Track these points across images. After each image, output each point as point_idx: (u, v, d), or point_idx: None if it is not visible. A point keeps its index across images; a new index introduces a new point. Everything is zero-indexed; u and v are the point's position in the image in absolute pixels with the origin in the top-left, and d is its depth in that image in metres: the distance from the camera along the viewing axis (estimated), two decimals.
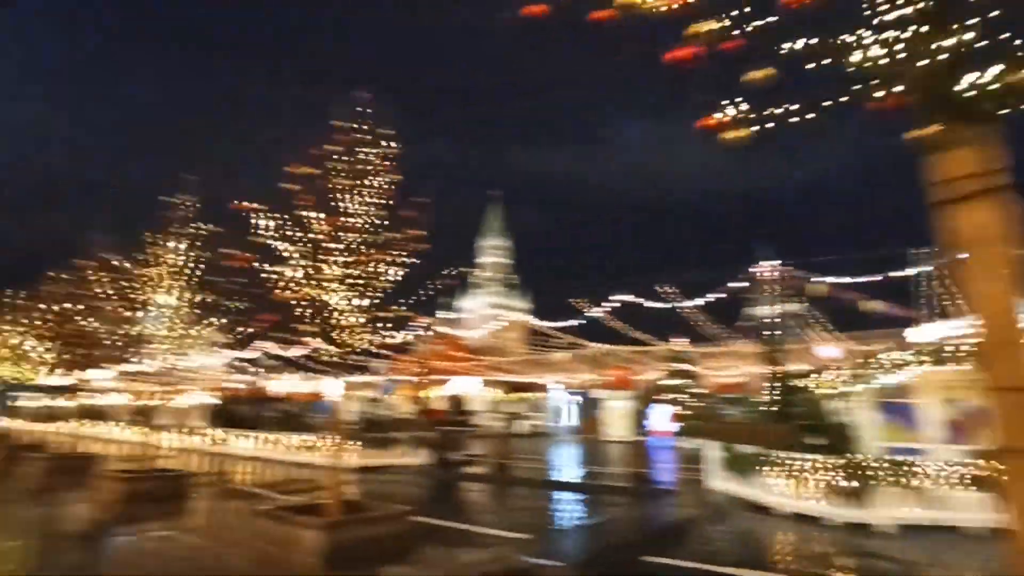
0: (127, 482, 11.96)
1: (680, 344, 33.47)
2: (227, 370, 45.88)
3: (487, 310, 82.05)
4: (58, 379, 25.44)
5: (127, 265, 13.24)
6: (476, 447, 24.67)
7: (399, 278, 9.17)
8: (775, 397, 18.03)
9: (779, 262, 21.13)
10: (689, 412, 30.96)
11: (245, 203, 8.23)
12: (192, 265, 13.64)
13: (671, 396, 33.31)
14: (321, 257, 8.40)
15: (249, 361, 38.96)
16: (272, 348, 31.58)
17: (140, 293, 13.40)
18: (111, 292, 13.71)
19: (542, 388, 44.21)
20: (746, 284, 22.40)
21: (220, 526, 9.98)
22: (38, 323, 19.50)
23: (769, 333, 20.56)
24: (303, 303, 8.76)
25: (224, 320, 13.97)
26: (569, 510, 14.12)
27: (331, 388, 45.54)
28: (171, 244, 13.59)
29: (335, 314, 8.52)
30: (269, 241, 8.43)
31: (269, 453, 24.85)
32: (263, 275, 8.69)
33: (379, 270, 8.95)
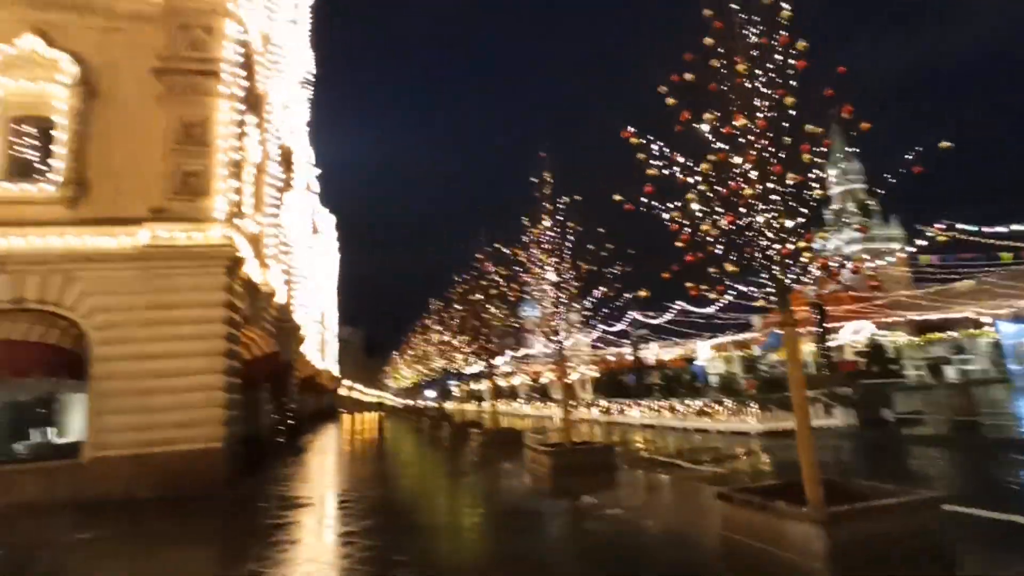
0: (556, 456, 12.23)
1: None
2: (595, 345, 48.71)
3: (848, 248, 71.49)
4: (473, 368, 29.98)
5: (511, 252, 13.73)
6: (908, 402, 19.71)
7: (819, 191, 6.69)
8: None
9: None
10: None
11: (631, 132, 6.90)
12: (566, 238, 13.42)
13: None
14: (734, 172, 6.53)
15: (616, 334, 40.33)
16: (640, 317, 31.56)
17: (527, 275, 13.80)
18: (501, 279, 14.45)
19: (970, 324, 34.25)
20: None
21: (666, 505, 9.11)
22: (455, 320, 22.78)
23: None
24: (713, 239, 7.02)
25: (604, 289, 13.39)
26: None
27: (700, 351, 44.00)
28: (544, 223, 13.62)
29: (764, 242, 6.52)
30: (662, 171, 6.93)
31: (660, 420, 24.62)
32: (662, 217, 7.24)
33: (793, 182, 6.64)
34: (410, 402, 78.45)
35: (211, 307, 12.55)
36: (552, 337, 13.44)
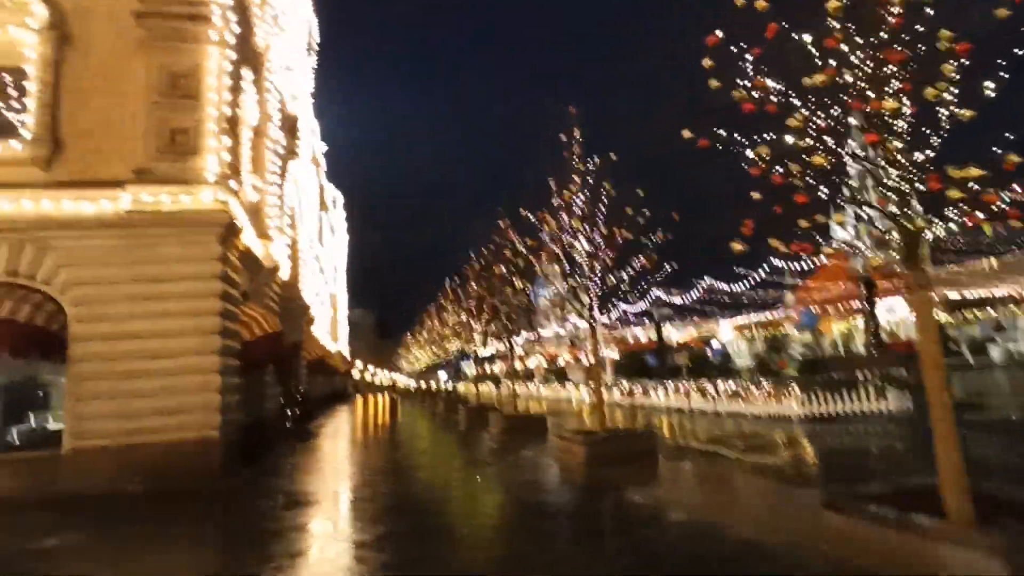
0: (590, 445, 10.84)
1: None
2: (611, 325, 47.17)
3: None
4: (487, 349, 28.62)
5: (538, 218, 12.22)
6: (966, 385, 18.11)
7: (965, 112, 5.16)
8: None
9: None
10: None
11: (717, 38, 5.37)
12: (599, 201, 11.90)
13: None
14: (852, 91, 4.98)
15: (638, 314, 38.78)
16: (663, 295, 29.97)
17: (555, 245, 12.31)
18: (526, 250, 12.99)
19: (1010, 301, 32.33)
20: None
21: (732, 506, 7.57)
22: (472, 299, 21.39)
23: None
24: (813, 179, 5.51)
25: (643, 259, 11.88)
26: None
27: (722, 331, 42.36)
28: (574, 185, 12.10)
29: (893, 178, 4.99)
30: (750, 93, 5.39)
31: (690, 403, 23.15)
32: (742, 156, 5.72)
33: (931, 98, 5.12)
34: (423, 384, 77.71)
35: (203, 280, 11.17)
36: (585, 312, 11.97)
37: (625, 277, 12.06)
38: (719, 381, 21.56)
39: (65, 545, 7.11)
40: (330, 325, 46.76)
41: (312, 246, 31.69)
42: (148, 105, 11.44)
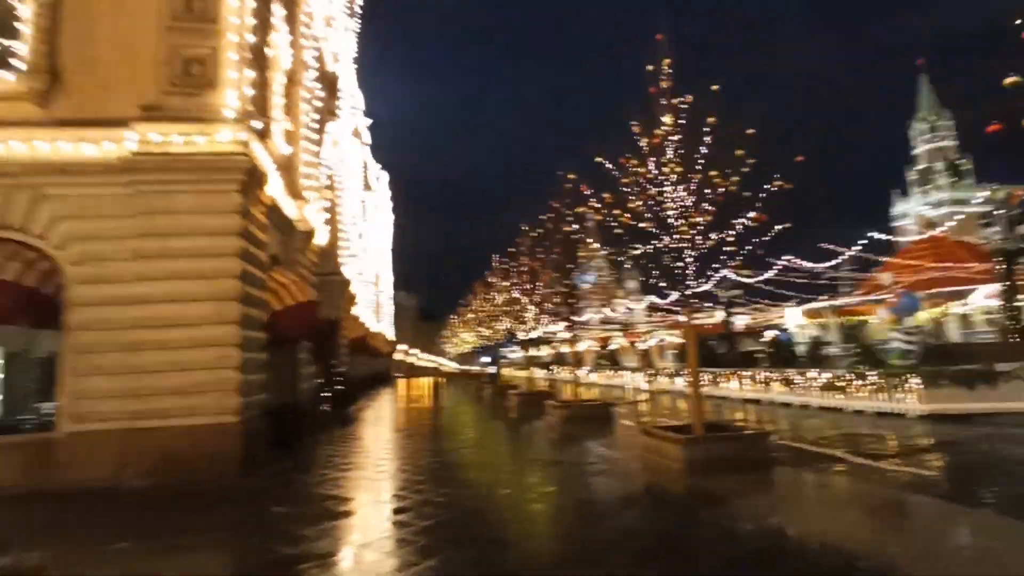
0: (690, 446, 8.62)
1: None
2: (668, 309, 44.32)
3: (935, 212, 67.24)
4: (539, 330, 26.50)
5: (623, 162, 9.91)
6: None
7: None
8: None
9: None
10: None
11: None
12: (701, 144, 9.55)
13: None
14: None
15: (699, 296, 35.95)
16: (731, 275, 27.06)
17: (640, 199, 10.01)
18: (602, 206, 10.76)
19: None
20: None
21: (910, 543, 5.12)
22: (525, 273, 19.34)
23: None
24: None
25: (755, 214, 9.48)
26: None
27: (789, 317, 39.06)
28: (666, 124, 9.77)
29: None
30: None
31: (768, 394, 20.55)
32: None
33: None
34: (466, 367, 76.29)
35: (221, 235, 9.37)
36: (686, 282, 9.71)
37: (730, 237, 9.71)
38: (811, 371, 18.83)
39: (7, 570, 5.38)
40: (374, 306, 45.53)
41: (355, 222, 30.11)
42: (159, 30, 9.65)
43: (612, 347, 44.42)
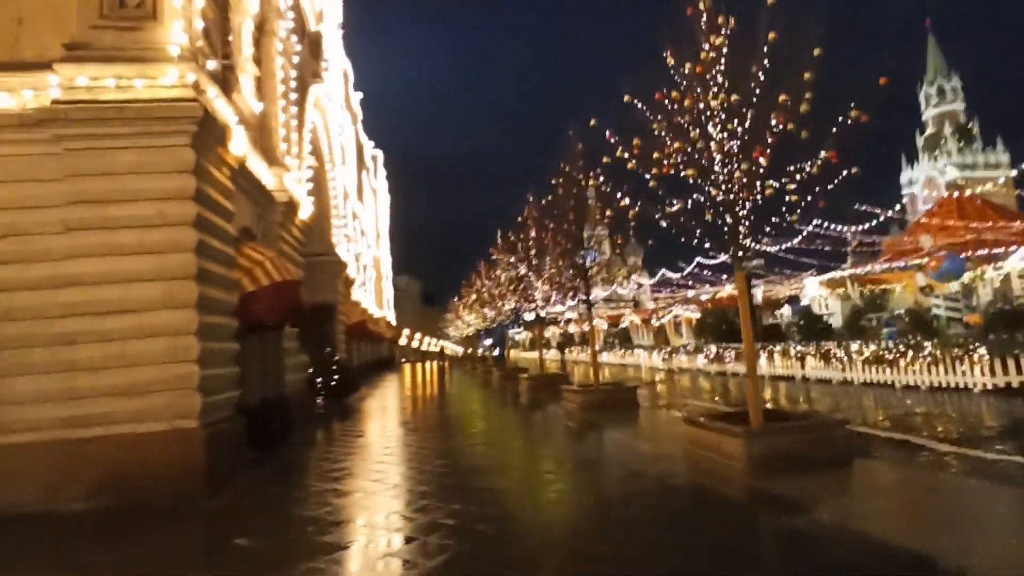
0: (751, 439, 6.99)
1: None
2: (681, 283, 42.65)
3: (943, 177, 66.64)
4: (546, 310, 24.86)
5: (661, 96, 8.11)
6: None
7: None
8: None
9: None
10: None
11: None
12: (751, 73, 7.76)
13: None
14: None
15: (713, 267, 34.23)
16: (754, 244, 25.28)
17: (675, 142, 8.23)
18: (631, 153, 8.98)
19: None
20: None
21: None
22: (532, 247, 17.64)
23: None
24: None
25: (825, 153, 7.70)
26: None
27: (808, 287, 37.36)
28: (712, 42, 7.97)
29: None
30: None
31: (808, 371, 18.89)
32: None
33: None
34: (470, 350, 74.97)
35: (170, 200, 7.64)
36: (736, 243, 8.00)
37: (792, 186, 7.94)
38: (851, 344, 17.17)
39: None
40: (375, 290, 43.90)
41: (350, 202, 28.31)
42: None
43: (623, 325, 42.79)
